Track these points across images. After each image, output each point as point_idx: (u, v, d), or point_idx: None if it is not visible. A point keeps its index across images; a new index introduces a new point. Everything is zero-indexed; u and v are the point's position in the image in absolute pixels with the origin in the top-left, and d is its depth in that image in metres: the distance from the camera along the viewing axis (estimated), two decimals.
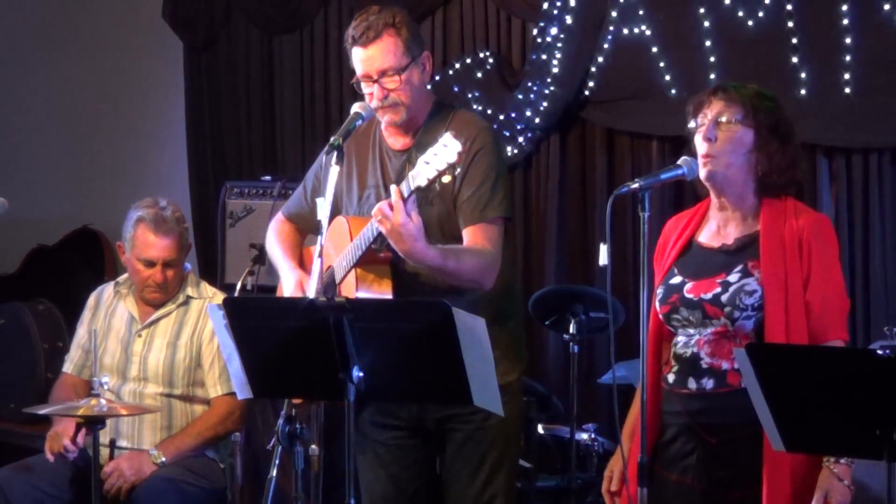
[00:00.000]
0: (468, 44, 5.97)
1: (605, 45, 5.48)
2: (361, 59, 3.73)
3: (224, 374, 4.50)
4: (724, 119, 3.40)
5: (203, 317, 4.61)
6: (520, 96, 5.66)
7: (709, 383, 3.38)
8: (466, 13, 6.00)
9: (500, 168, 3.79)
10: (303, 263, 3.99)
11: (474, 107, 5.72)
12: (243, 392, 3.35)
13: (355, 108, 3.69)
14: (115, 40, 7.18)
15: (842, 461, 3.25)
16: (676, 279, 3.46)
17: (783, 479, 3.26)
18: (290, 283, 3.91)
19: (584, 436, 4.95)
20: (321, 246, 3.36)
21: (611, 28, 5.46)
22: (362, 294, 3.65)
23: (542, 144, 5.77)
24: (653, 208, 3.40)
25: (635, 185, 3.34)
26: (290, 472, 3.46)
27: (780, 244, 3.35)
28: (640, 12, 5.39)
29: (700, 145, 3.41)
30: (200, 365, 4.61)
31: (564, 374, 4.97)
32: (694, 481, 3.40)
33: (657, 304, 3.47)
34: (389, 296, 3.65)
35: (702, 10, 5.22)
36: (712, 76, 5.18)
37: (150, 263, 4.61)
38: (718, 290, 3.37)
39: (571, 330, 4.82)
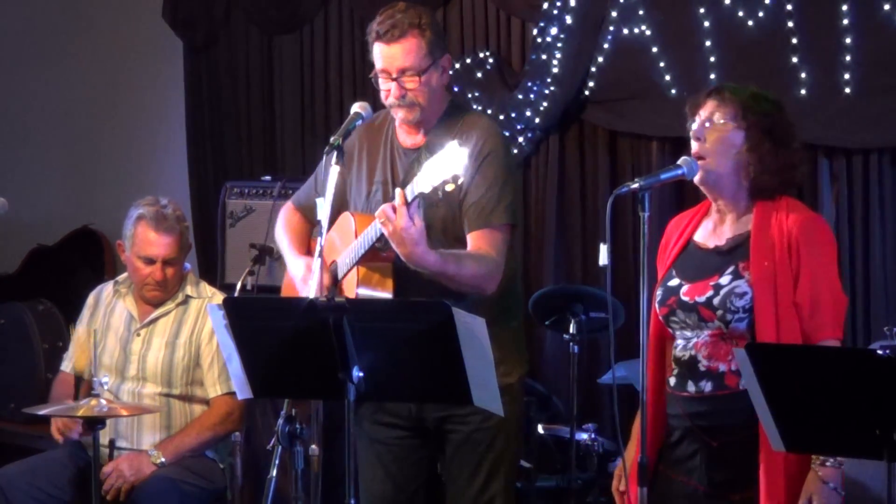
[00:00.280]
0: (468, 44, 5.96)
1: (605, 45, 5.47)
2: (383, 55, 3.74)
3: (223, 373, 4.49)
4: (714, 119, 3.40)
5: (202, 316, 4.61)
6: (520, 96, 5.66)
7: (707, 386, 3.38)
8: (466, 13, 5.99)
9: (508, 174, 3.79)
10: (311, 253, 3.98)
11: (474, 107, 5.71)
12: (243, 392, 3.35)
13: (355, 107, 3.69)
14: (115, 40, 7.17)
15: (828, 463, 3.24)
16: (674, 281, 3.47)
17: (779, 480, 3.25)
18: (300, 268, 3.91)
19: (584, 436, 4.94)
20: (321, 247, 3.37)
21: (611, 28, 5.45)
22: (363, 292, 3.65)
23: (541, 144, 5.76)
24: (653, 208, 3.40)
25: (635, 186, 3.34)
26: (290, 472, 3.45)
27: (769, 244, 3.34)
28: (640, 12, 5.39)
29: (692, 144, 3.42)
30: (199, 364, 4.61)
31: (564, 374, 4.96)
32: (699, 483, 3.40)
33: (657, 305, 3.48)
34: (390, 295, 3.66)
35: (702, 10, 5.22)
36: (712, 76, 5.18)
37: (150, 261, 4.61)
38: (711, 293, 3.37)
39: (571, 330, 4.81)
